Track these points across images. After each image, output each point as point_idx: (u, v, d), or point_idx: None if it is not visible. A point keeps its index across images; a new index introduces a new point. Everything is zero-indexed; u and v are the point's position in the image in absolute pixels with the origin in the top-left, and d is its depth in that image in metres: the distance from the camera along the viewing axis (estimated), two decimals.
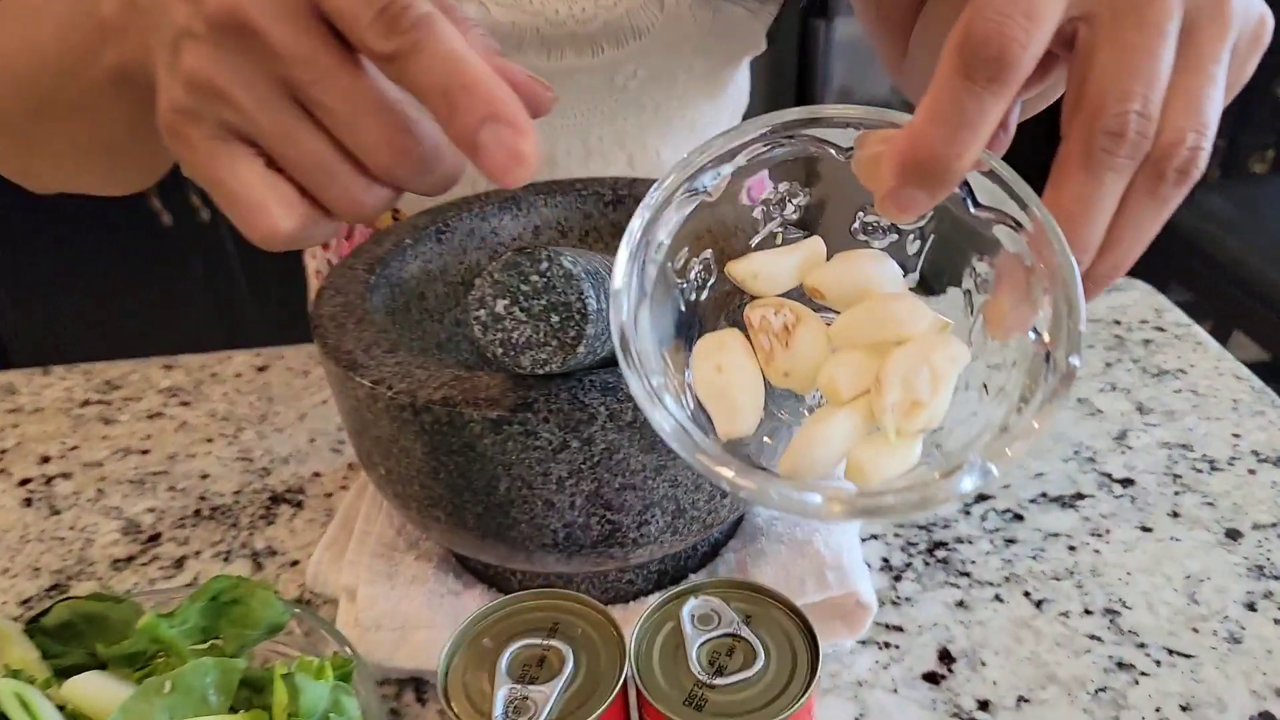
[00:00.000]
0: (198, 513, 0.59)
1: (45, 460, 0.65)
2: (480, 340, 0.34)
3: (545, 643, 0.33)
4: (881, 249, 0.32)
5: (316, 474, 0.61)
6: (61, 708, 0.35)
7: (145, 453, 0.65)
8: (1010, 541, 0.51)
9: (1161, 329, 0.71)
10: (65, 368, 0.76)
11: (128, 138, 0.38)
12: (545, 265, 0.33)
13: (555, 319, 0.33)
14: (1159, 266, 1.83)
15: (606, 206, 0.54)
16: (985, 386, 0.30)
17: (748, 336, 0.31)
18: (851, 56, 2.08)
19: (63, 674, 0.36)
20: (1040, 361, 0.28)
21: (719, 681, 0.32)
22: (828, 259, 0.32)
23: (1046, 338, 0.28)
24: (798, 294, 0.32)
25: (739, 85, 0.70)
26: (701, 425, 0.30)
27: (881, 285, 0.30)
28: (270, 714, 0.33)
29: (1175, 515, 0.53)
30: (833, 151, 0.31)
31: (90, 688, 0.35)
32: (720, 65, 0.64)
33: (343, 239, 0.77)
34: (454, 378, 0.37)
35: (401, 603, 0.44)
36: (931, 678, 0.44)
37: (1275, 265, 1.47)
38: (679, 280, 0.33)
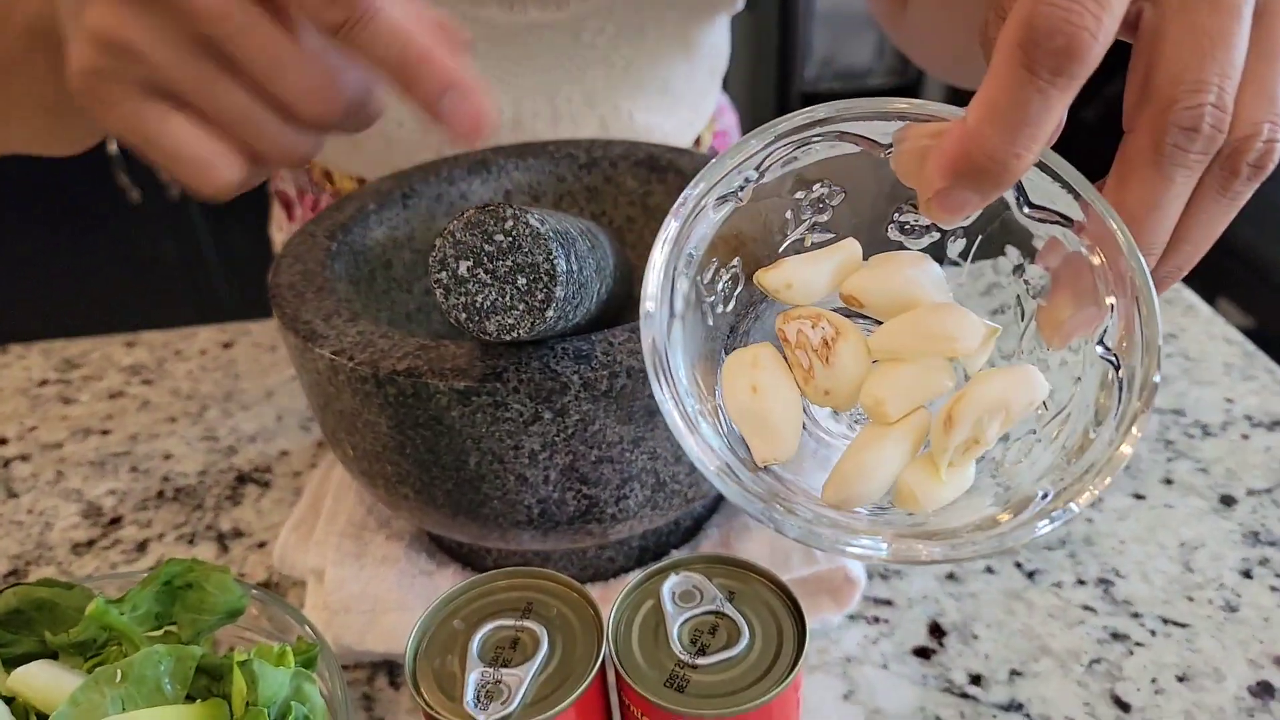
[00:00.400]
0: (161, 494, 0.57)
1: (3, 442, 0.62)
2: (443, 305, 0.32)
3: (518, 624, 0.32)
4: (920, 250, 0.30)
5: (284, 453, 0.59)
6: (10, 700, 0.33)
7: (106, 433, 0.62)
8: None
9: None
10: (23, 346, 0.73)
11: (58, 95, 0.36)
12: (510, 224, 0.31)
13: (522, 281, 0.31)
14: None
15: (580, 170, 0.52)
16: (1044, 403, 0.28)
17: (781, 351, 0.29)
18: (835, 23, 2.05)
19: (11, 663, 0.34)
20: (1109, 377, 0.26)
21: (701, 661, 0.30)
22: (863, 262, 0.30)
23: (1115, 350, 0.26)
24: (832, 303, 0.30)
25: (716, 46, 0.67)
26: (732, 445, 0.28)
27: (925, 292, 0.28)
28: (230, 703, 0.32)
29: (1169, 482, 0.52)
30: (868, 147, 0.29)
31: (39, 678, 0.33)
32: (693, 21, 0.61)
33: (308, 210, 0.74)
34: (419, 347, 0.35)
35: (371, 584, 0.42)
36: (922, 652, 0.42)
37: (1262, 231, 1.46)
38: (707, 294, 0.30)
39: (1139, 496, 0.51)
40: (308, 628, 0.34)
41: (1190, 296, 0.69)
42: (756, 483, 0.27)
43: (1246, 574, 0.46)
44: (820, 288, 0.29)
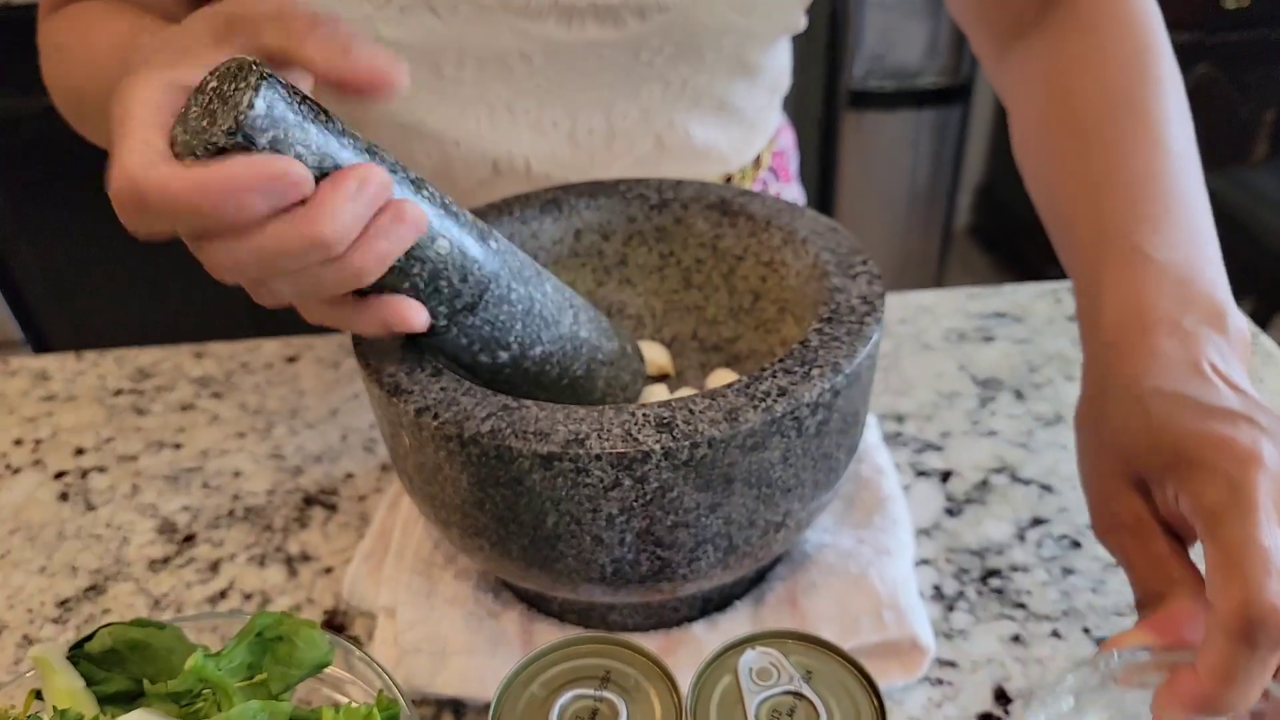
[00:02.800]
0: (231, 513, 0.58)
1: (80, 452, 0.64)
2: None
3: (598, 694, 0.32)
4: None
5: (349, 475, 0.60)
6: None
7: (178, 447, 0.64)
8: (1068, 571, 0.49)
9: None
10: (97, 353, 0.75)
11: None
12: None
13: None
14: None
15: (651, 210, 0.52)
16: None
17: None
18: (884, 21, 2.02)
19: (104, 701, 0.35)
20: None
21: None
22: None
23: None
24: None
25: (777, 65, 0.66)
26: None
27: None
28: None
29: None
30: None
31: None
32: (752, 44, 0.61)
33: None
34: (502, 407, 0.36)
35: (440, 625, 0.43)
36: (987, 719, 0.42)
37: None
38: None
39: None
40: (389, 680, 0.35)
41: (1268, 343, 0.67)
42: None
43: None
44: None
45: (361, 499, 0.58)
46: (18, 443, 0.65)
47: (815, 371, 0.36)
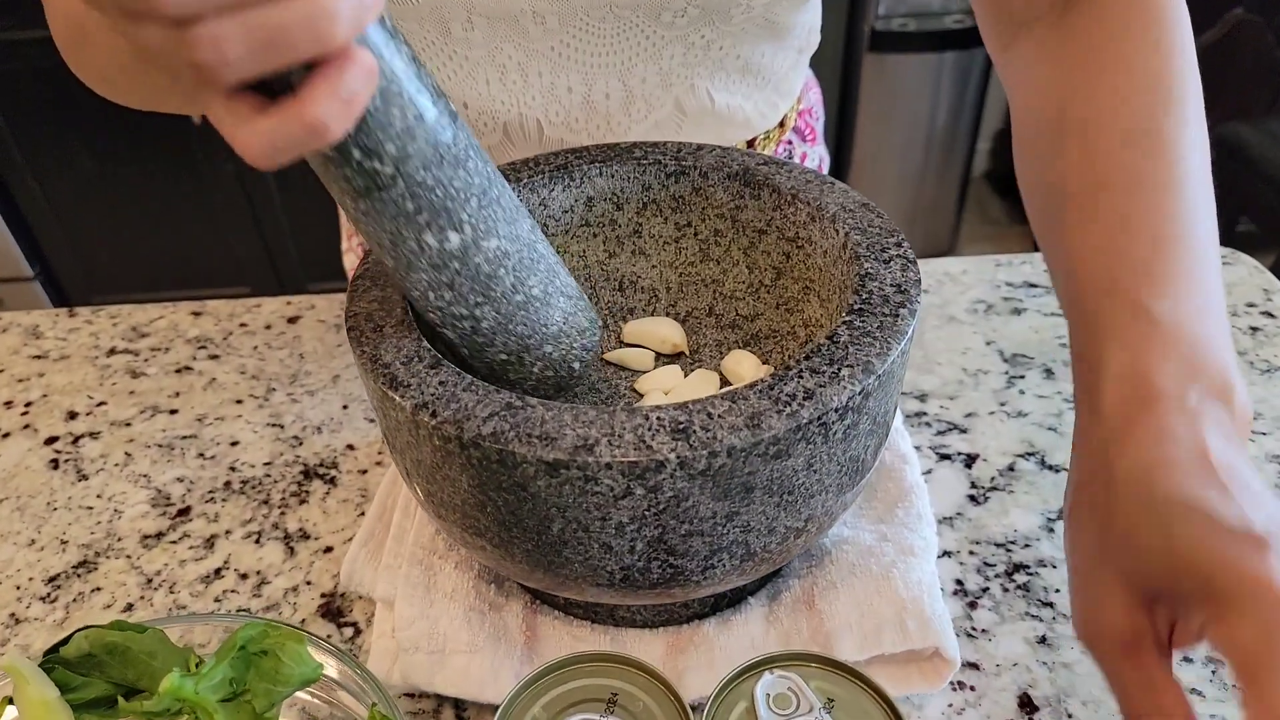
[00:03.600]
0: (228, 485, 0.56)
1: (72, 416, 0.62)
2: None
3: (604, 719, 0.30)
4: None
5: (350, 446, 0.58)
6: None
7: (173, 412, 0.62)
8: None
9: (1271, 314, 0.64)
10: (91, 310, 0.72)
11: None
12: None
13: None
14: (1226, 198, 1.72)
15: (668, 178, 0.49)
16: None
17: None
18: None
19: (81, 708, 0.34)
20: None
21: None
22: None
23: None
24: None
25: (806, 23, 0.62)
26: None
27: None
28: None
29: None
30: None
31: None
32: (784, 2, 0.56)
33: None
34: (505, 406, 0.33)
35: (440, 621, 0.41)
36: None
37: None
38: None
39: None
40: (383, 696, 0.33)
41: None
42: None
43: None
44: None
45: (363, 472, 0.56)
46: (8, 404, 0.63)
47: (845, 372, 0.34)
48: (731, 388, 0.33)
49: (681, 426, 0.32)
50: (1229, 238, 1.75)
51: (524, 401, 0.33)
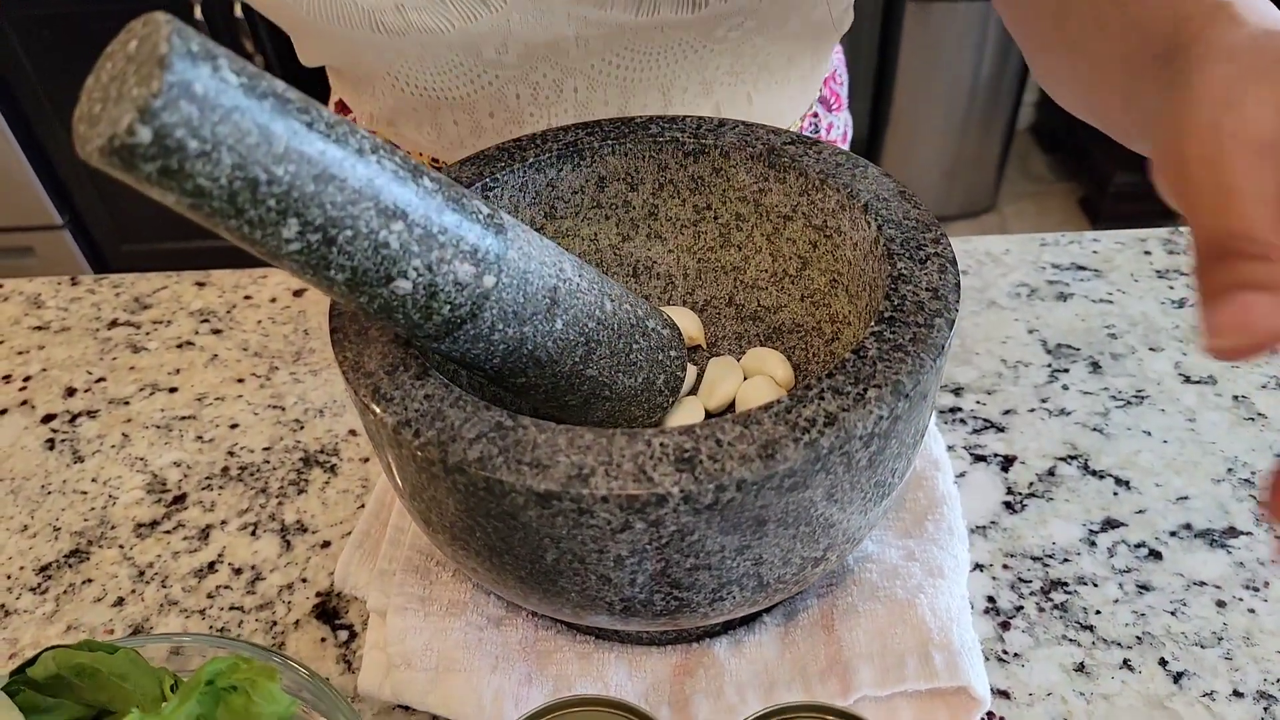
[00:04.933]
0: (225, 470, 0.54)
1: (71, 393, 0.60)
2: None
3: None
4: None
5: (352, 432, 0.56)
6: None
7: (173, 390, 0.60)
8: (1144, 589, 0.44)
9: None
10: (94, 279, 0.70)
11: None
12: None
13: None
14: None
15: (686, 157, 0.45)
16: None
17: None
18: None
19: None
20: None
21: None
22: None
23: None
24: None
25: (849, 11, 0.58)
26: None
27: None
28: None
29: None
30: None
31: None
32: (840, 2, 0.53)
33: None
34: (495, 426, 0.30)
35: (436, 637, 0.39)
36: None
37: None
38: None
39: None
40: None
41: None
42: None
43: None
44: None
45: (364, 461, 0.54)
46: (6, 379, 0.62)
47: (872, 393, 0.30)
48: (745, 411, 0.30)
49: (687, 455, 0.29)
50: None
51: (516, 421, 0.30)
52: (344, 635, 0.45)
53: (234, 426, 0.57)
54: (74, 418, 0.59)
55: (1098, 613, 0.43)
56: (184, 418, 0.58)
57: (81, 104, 0.24)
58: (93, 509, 0.52)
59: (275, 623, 0.45)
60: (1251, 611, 0.42)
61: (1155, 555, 0.45)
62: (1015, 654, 0.41)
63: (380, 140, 0.29)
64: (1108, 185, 2.04)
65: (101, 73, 0.24)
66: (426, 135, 0.56)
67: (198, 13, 1.53)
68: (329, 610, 0.46)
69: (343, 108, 0.65)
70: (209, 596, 0.47)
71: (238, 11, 1.53)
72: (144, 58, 0.22)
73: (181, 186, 0.23)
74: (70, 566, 0.49)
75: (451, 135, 0.55)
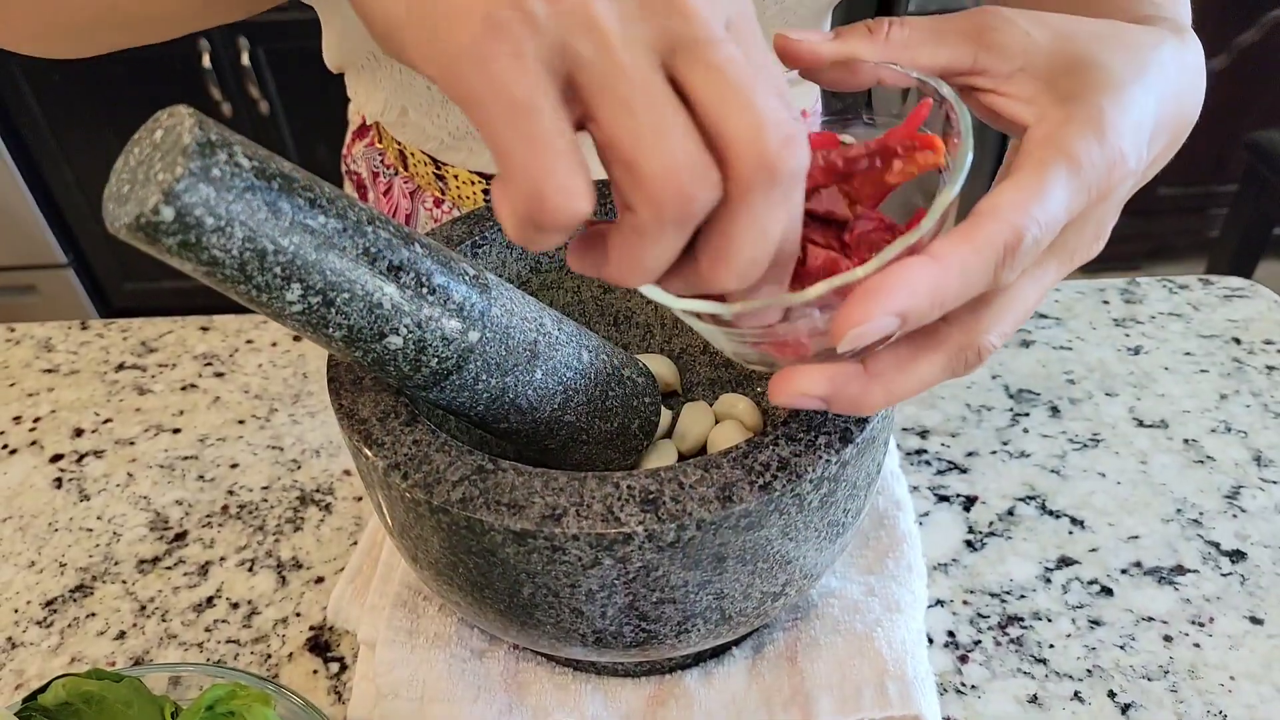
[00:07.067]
0: (225, 509, 0.57)
1: (79, 434, 0.63)
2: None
3: None
4: None
5: (346, 472, 0.58)
6: None
7: (177, 431, 0.62)
8: (1095, 624, 0.46)
9: None
10: (103, 323, 0.73)
11: None
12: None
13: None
14: (1259, 204, 1.66)
15: None
16: None
17: None
18: None
19: None
20: None
21: None
22: None
23: None
24: None
25: None
26: None
27: None
28: None
29: None
30: None
31: None
32: None
33: (380, 194, 0.72)
34: (476, 470, 0.33)
35: (421, 668, 0.41)
36: None
37: None
38: None
39: (1256, 620, 0.46)
40: None
41: None
42: None
43: None
44: None
45: (358, 499, 0.57)
46: (16, 420, 0.64)
47: (822, 440, 0.33)
48: (707, 456, 0.33)
49: (651, 497, 0.32)
50: (1261, 245, 1.71)
51: (496, 465, 0.33)
52: (335, 667, 0.47)
53: (234, 466, 0.60)
54: (81, 457, 0.61)
55: (1051, 646, 0.45)
56: (186, 458, 0.61)
57: (110, 184, 0.27)
58: (97, 545, 0.55)
59: (270, 655, 0.48)
60: (1197, 646, 0.45)
61: (1107, 591, 0.48)
62: (973, 686, 0.44)
63: (377, 211, 0.32)
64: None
65: (129, 157, 0.27)
66: (435, 121, 0.60)
67: (206, 61, 1.58)
68: (321, 643, 0.48)
69: (362, 130, 0.69)
70: (207, 630, 0.49)
71: (245, 60, 1.58)
72: (169, 146, 0.25)
73: (198, 257, 0.26)
74: (75, 601, 0.51)
75: (459, 121, 0.58)
